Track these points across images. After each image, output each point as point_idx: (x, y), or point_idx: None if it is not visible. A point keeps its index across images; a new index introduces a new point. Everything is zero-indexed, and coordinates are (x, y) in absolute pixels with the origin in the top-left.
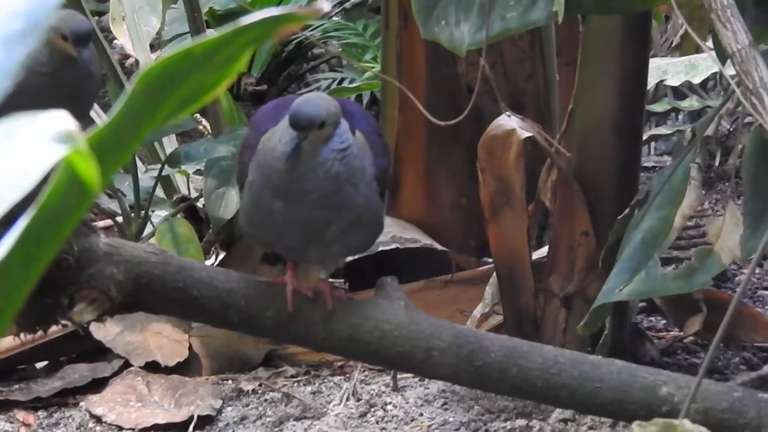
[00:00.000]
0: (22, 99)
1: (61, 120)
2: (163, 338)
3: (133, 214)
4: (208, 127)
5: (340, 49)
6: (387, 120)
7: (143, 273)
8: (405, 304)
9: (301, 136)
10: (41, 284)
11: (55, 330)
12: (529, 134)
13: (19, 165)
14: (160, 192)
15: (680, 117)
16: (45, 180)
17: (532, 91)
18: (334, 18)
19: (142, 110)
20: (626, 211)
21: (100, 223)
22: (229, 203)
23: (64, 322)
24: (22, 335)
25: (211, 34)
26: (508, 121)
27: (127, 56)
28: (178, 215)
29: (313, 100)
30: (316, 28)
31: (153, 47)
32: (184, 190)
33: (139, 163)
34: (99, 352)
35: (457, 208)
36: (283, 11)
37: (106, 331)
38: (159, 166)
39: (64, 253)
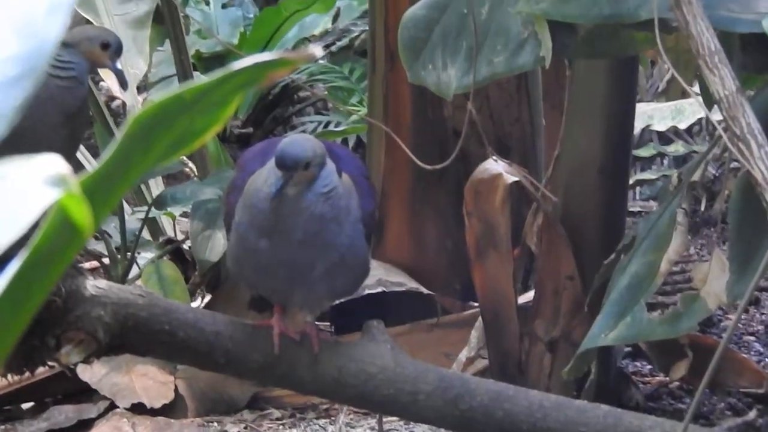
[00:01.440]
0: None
1: (54, 163)
2: (148, 380)
3: (119, 256)
4: (195, 170)
5: (326, 92)
6: (373, 162)
7: (130, 315)
8: (391, 347)
9: (286, 176)
10: (29, 325)
11: (41, 371)
12: (516, 179)
13: (12, 208)
14: (146, 234)
15: (665, 162)
16: (36, 223)
17: (518, 135)
18: (321, 61)
19: (133, 154)
20: (612, 255)
21: (87, 265)
22: (216, 245)
23: (50, 363)
24: (8, 376)
25: (199, 78)
26: (494, 166)
27: (113, 98)
28: (164, 257)
29: (299, 141)
30: (302, 71)
31: (140, 89)
32: (170, 232)
33: (125, 205)
34: (85, 393)
35: (442, 250)
36: (274, 55)
37: (92, 373)
38: (145, 208)
39: (52, 294)
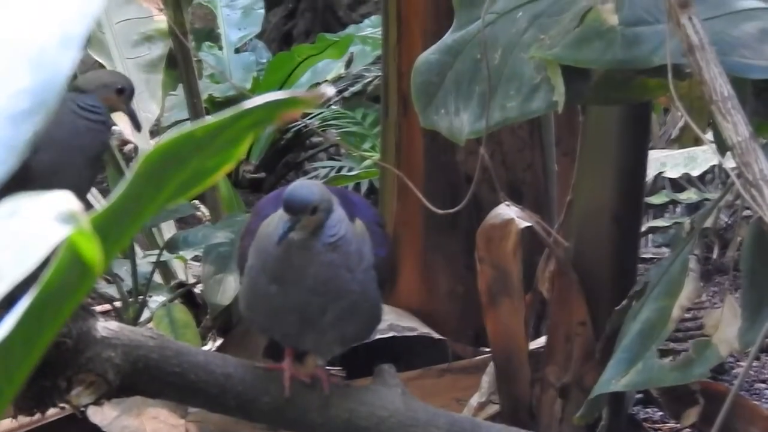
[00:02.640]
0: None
1: (65, 200)
2: (159, 423)
3: (131, 299)
4: (207, 214)
5: (338, 138)
6: (385, 208)
7: (141, 357)
8: (402, 391)
9: (292, 219)
10: (39, 367)
11: (51, 413)
12: (528, 224)
13: (23, 244)
14: (158, 278)
15: (678, 209)
16: (46, 261)
17: (531, 181)
18: (333, 106)
19: (144, 192)
20: (624, 301)
21: (98, 308)
22: (227, 289)
23: (61, 404)
24: (18, 417)
25: (211, 119)
26: (506, 211)
27: (126, 142)
28: (176, 300)
29: (306, 186)
30: (315, 116)
31: (152, 133)
32: (182, 276)
33: (137, 248)
34: None
35: (454, 296)
36: (286, 95)
37: (103, 415)
38: (157, 251)
39: (63, 336)
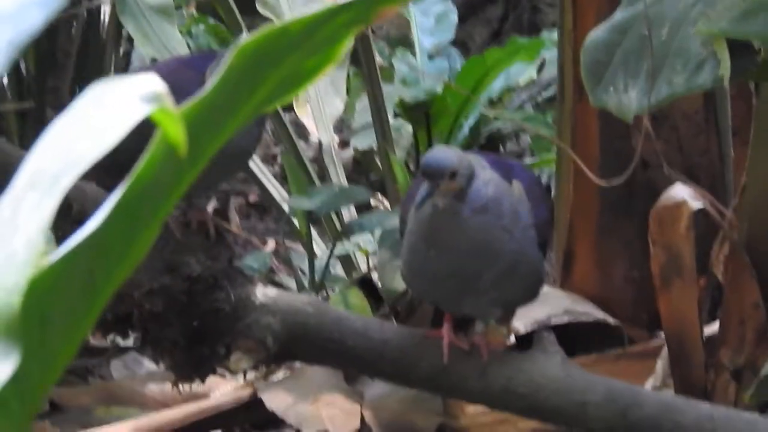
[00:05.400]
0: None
1: (150, 81)
2: (335, 409)
3: (310, 290)
4: (389, 206)
5: (530, 142)
6: (561, 195)
7: (299, 323)
8: (561, 357)
9: (432, 185)
10: (198, 333)
11: (228, 401)
12: (700, 205)
13: (104, 122)
14: (340, 271)
15: None
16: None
17: (707, 165)
18: (526, 110)
19: (239, 88)
20: None
21: None
22: None
23: (220, 371)
24: (197, 405)
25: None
26: (679, 192)
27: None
28: (353, 287)
29: (443, 151)
30: (508, 120)
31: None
32: (364, 269)
33: (315, 236)
34: (272, 422)
35: (629, 281)
36: None
37: (278, 401)
38: (339, 243)
39: (221, 302)
